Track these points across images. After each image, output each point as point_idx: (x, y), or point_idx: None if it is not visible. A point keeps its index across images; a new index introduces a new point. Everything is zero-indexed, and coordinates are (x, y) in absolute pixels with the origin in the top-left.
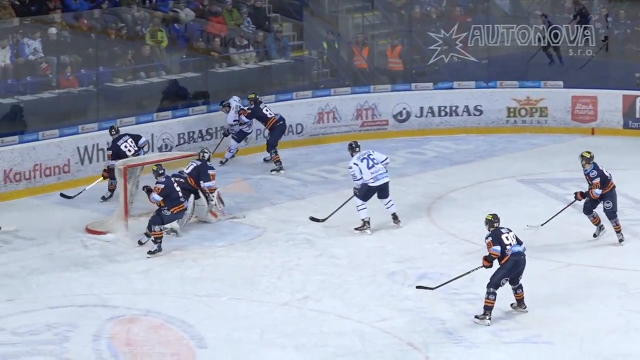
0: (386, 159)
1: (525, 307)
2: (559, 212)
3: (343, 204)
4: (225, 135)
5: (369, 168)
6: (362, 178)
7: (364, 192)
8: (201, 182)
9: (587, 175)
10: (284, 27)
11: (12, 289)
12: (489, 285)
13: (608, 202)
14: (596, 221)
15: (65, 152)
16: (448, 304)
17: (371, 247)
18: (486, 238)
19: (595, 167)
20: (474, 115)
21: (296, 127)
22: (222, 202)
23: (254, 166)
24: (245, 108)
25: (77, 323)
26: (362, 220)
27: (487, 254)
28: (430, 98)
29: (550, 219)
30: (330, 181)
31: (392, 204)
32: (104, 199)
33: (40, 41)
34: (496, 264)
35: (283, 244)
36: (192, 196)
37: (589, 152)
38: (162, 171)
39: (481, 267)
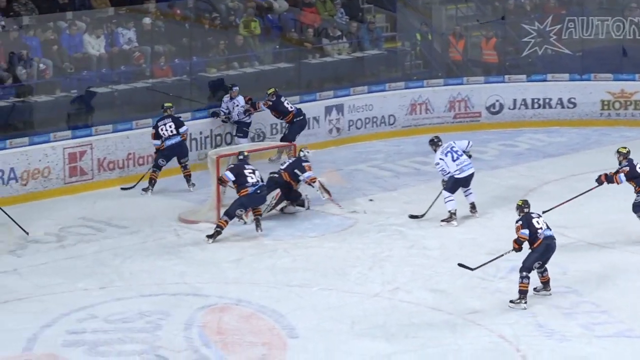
0: (469, 143)
1: (550, 290)
2: (576, 196)
3: (437, 197)
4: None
5: (453, 161)
6: (450, 173)
7: (451, 185)
8: (299, 175)
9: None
10: (377, 19)
11: (105, 277)
12: (521, 270)
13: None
14: None
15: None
16: (539, 297)
17: (463, 239)
18: (516, 222)
19: (630, 162)
20: (568, 107)
21: (388, 119)
22: (328, 192)
23: (345, 157)
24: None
25: (169, 311)
26: (449, 212)
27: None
28: (524, 90)
29: (563, 204)
30: (422, 173)
31: (471, 193)
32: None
33: (134, 31)
34: (526, 249)
35: (375, 235)
36: (277, 190)
37: (625, 147)
38: (243, 157)
39: (512, 250)
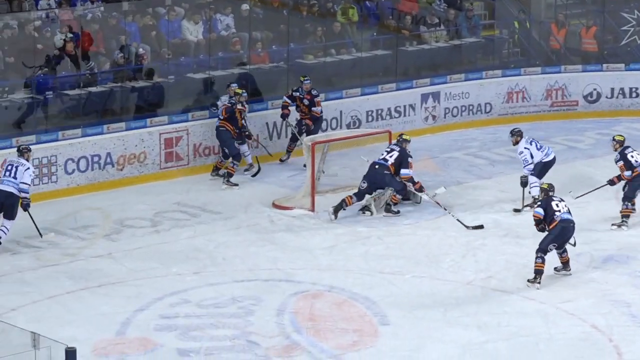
0: None
1: (570, 270)
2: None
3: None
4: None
5: (538, 149)
6: (532, 162)
7: (539, 169)
8: (401, 169)
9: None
10: (475, 6)
11: (199, 262)
12: (538, 251)
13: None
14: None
15: (254, 128)
16: (634, 287)
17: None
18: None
19: (622, 151)
20: None
21: (485, 107)
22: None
23: (440, 145)
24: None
25: (262, 297)
26: (534, 197)
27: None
28: (622, 79)
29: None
30: (518, 161)
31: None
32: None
33: (232, 17)
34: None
35: (468, 223)
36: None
37: (621, 136)
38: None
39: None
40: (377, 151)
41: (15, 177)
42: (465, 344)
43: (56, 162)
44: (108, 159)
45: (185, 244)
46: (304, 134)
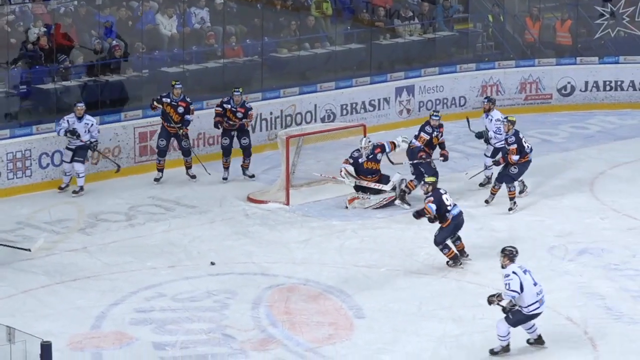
0: None
1: (468, 255)
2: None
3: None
4: None
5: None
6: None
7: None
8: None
9: (505, 140)
10: (450, 0)
11: (174, 256)
12: (436, 244)
13: (515, 168)
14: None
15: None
16: (608, 279)
17: (531, 221)
18: (427, 197)
19: (516, 134)
20: None
21: (459, 100)
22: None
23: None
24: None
25: (237, 291)
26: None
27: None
28: (596, 72)
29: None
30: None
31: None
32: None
33: (207, 10)
34: None
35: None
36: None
37: (514, 117)
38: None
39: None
40: (352, 145)
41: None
42: (440, 337)
43: (30, 156)
44: None
45: (160, 238)
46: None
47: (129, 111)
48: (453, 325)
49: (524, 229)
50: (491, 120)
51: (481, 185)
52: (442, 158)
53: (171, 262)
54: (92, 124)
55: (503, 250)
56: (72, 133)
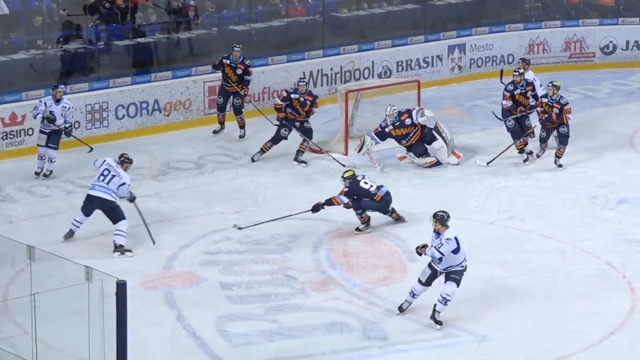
0: None
1: (370, 228)
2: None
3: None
4: None
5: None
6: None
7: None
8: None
9: (557, 102)
10: None
11: (240, 202)
12: (356, 209)
13: (564, 128)
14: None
15: (291, 77)
16: None
17: (575, 172)
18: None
19: (561, 96)
20: None
21: (507, 58)
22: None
23: (465, 94)
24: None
25: (299, 235)
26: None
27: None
28: (637, 33)
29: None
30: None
31: None
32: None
33: None
34: None
35: (492, 167)
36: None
37: (559, 82)
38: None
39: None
40: (407, 100)
41: (107, 184)
42: (488, 280)
43: (107, 108)
44: (155, 105)
45: (228, 185)
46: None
47: (199, 66)
48: (500, 269)
49: (567, 179)
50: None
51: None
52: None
53: (237, 208)
54: (69, 108)
55: (434, 215)
56: (50, 120)
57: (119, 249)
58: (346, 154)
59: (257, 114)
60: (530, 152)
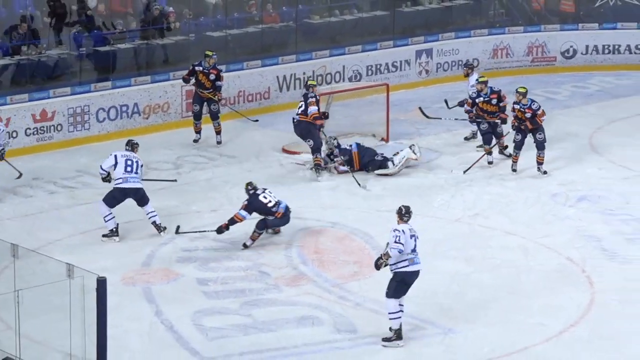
0: None
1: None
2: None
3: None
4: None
5: None
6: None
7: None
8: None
9: (528, 108)
10: None
11: (216, 201)
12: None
13: (540, 134)
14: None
15: (266, 81)
16: (605, 223)
17: (536, 171)
18: (244, 201)
19: (532, 101)
20: (635, 53)
21: (473, 62)
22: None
23: (432, 96)
24: None
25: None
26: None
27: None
28: (596, 37)
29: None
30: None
31: None
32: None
33: None
34: None
35: (457, 166)
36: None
37: (524, 88)
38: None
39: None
40: (376, 102)
41: (137, 173)
42: (453, 275)
43: (89, 111)
44: (135, 109)
45: (204, 184)
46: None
47: (176, 71)
48: (465, 264)
49: (529, 178)
50: (469, 84)
51: (466, 139)
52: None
53: (213, 207)
54: (2, 130)
55: (398, 208)
56: None
57: (161, 227)
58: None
59: (233, 117)
60: (506, 147)
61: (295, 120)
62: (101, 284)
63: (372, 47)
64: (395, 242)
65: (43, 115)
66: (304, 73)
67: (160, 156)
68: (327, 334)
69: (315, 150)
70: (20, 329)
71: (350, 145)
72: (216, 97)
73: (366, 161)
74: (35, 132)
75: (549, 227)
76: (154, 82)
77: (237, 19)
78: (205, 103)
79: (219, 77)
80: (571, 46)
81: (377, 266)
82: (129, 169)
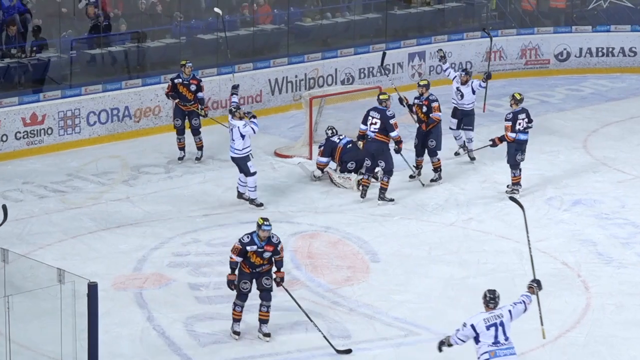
0: None
1: None
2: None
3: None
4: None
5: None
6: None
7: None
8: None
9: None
10: None
11: (208, 205)
12: None
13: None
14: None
15: (257, 84)
16: (600, 228)
17: (531, 175)
18: None
19: (515, 113)
20: (629, 56)
21: (466, 65)
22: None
23: None
24: None
25: None
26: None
27: None
28: (589, 40)
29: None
30: (495, 114)
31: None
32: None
33: None
34: None
35: (451, 171)
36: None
37: (520, 94)
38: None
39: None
40: (369, 105)
41: (233, 140)
42: (447, 279)
43: (79, 114)
44: (126, 112)
45: (196, 188)
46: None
47: (167, 74)
48: (459, 269)
49: (524, 181)
50: (472, 88)
51: (457, 154)
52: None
53: (206, 211)
54: None
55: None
56: None
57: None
58: (310, 158)
59: (224, 119)
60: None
61: (369, 138)
62: (92, 289)
63: (364, 50)
64: (457, 337)
65: (33, 119)
66: (296, 76)
67: (151, 160)
68: (321, 339)
69: (387, 172)
70: (11, 334)
71: (341, 138)
72: (202, 111)
73: (345, 160)
74: (26, 136)
75: (543, 231)
76: (145, 85)
77: (228, 21)
78: (186, 117)
79: (199, 88)
80: (565, 49)
81: (439, 347)
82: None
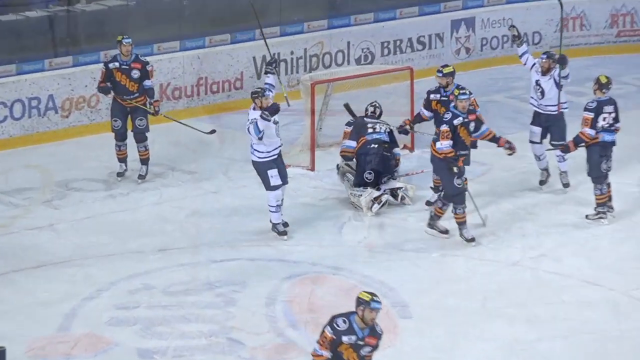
0: None
1: None
2: None
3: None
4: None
5: None
6: None
7: None
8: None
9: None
10: None
11: (166, 236)
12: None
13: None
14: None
15: (237, 63)
16: None
17: (630, 192)
18: None
19: (600, 103)
20: None
21: (532, 37)
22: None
23: (477, 85)
24: None
25: (247, 282)
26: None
27: None
28: None
29: None
30: (576, 106)
31: None
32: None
33: None
34: None
35: (512, 184)
36: None
37: (607, 77)
38: None
39: None
40: (395, 94)
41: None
42: (510, 343)
43: None
44: (50, 104)
45: (148, 212)
46: None
47: (110, 49)
48: (527, 328)
49: (621, 202)
50: (555, 79)
51: (542, 183)
52: None
53: (162, 244)
54: None
55: None
56: None
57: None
58: (312, 169)
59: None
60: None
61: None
62: None
63: (389, 16)
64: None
65: None
66: (292, 53)
67: (86, 171)
68: None
69: (447, 198)
70: None
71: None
72: (151, 107)
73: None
74: None
75: None
76: (78, 65)
77: None
78: (129, 115)
79: (146, 74)
80: None
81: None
82: None
